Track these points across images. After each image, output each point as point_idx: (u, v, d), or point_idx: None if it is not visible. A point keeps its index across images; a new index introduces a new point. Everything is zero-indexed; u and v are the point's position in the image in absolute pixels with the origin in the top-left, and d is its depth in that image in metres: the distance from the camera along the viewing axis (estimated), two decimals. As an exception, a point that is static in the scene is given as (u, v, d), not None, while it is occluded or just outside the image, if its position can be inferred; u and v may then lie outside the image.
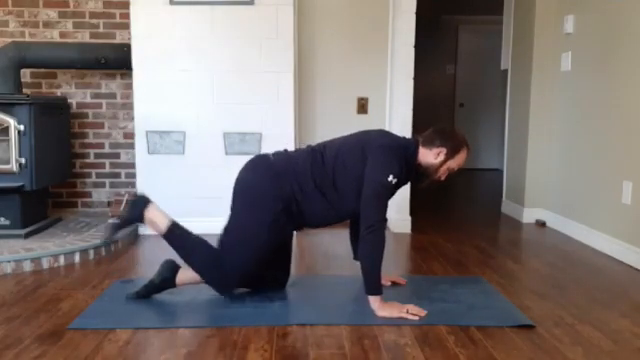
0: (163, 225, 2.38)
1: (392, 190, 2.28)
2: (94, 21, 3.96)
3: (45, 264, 2.89)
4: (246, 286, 2.47)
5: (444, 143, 2.33)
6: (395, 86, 3.81)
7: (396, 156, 2.27)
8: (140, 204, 2.42)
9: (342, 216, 2.42)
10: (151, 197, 3.59)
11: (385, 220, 2.26)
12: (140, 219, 2.41)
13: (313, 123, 4.00)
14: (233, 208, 2.38)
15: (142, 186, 3.65)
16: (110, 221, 2.45)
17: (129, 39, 3.71)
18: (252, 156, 2.49)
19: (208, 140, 3.64)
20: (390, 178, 2.22)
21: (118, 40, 3.95)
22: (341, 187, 2.32)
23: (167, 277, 2.39)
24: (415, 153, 2.35)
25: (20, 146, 3.21)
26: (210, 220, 3.57)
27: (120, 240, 3.31)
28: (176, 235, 2.39)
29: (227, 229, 2.37)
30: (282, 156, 2.43)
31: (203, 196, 3.65)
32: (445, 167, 2.36)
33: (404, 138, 2.46)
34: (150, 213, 2.40)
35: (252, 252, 2.32)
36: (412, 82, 3.75)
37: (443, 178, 2.41)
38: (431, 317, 2.21)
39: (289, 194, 2.31)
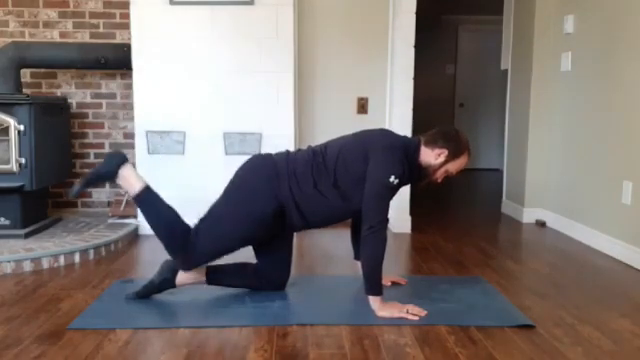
0: (137, 186, 2.35)
1: (394, 190, 2.27)
2: (94, 21, 3.96)
3: (45, 264, 2.89)
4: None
5: (446, 145, 2.32)
6: (395, 86, 3.81)
7: (398, 156, 2.26)
8: (117, 159, 2.36)
9: (343, 216, 2.42)
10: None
11: (386, 220, 2.26)
12: (114, 174, 2.34)
13: (313, 123, 4.00)
14: (222, 199, 2.38)
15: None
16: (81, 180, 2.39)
17: (129, 39, 3.71)
18: (251, 156, 2.48)
19: (208, 140, 3.64)
20: (392, 179, 2.21)
21: (118, 40, 3.95)
22: (342, 187, 2.31)
23: (167, 277, 2.39)
24: (417, 152, 2.34)
25: (20, 146, 3.21)
26: (210, 220, 3.59)
27: (120, 240, 3.32)
28: (149, 200, 2.36)
29: (207, 216, 2.36)
30: (283, 157, 2.42)
31: (203, 196, 3.62)
32: (444, 169, 2.34)
33: (406, 137, 2.45)
34: (126, 171, 2.36)
35: (222, 244, 2.34)
36: (412, 82, 3.75)
37: (440, 180, 2.39)
38: (431, 317, 2.21)
39: (286, 196, 2.30)
